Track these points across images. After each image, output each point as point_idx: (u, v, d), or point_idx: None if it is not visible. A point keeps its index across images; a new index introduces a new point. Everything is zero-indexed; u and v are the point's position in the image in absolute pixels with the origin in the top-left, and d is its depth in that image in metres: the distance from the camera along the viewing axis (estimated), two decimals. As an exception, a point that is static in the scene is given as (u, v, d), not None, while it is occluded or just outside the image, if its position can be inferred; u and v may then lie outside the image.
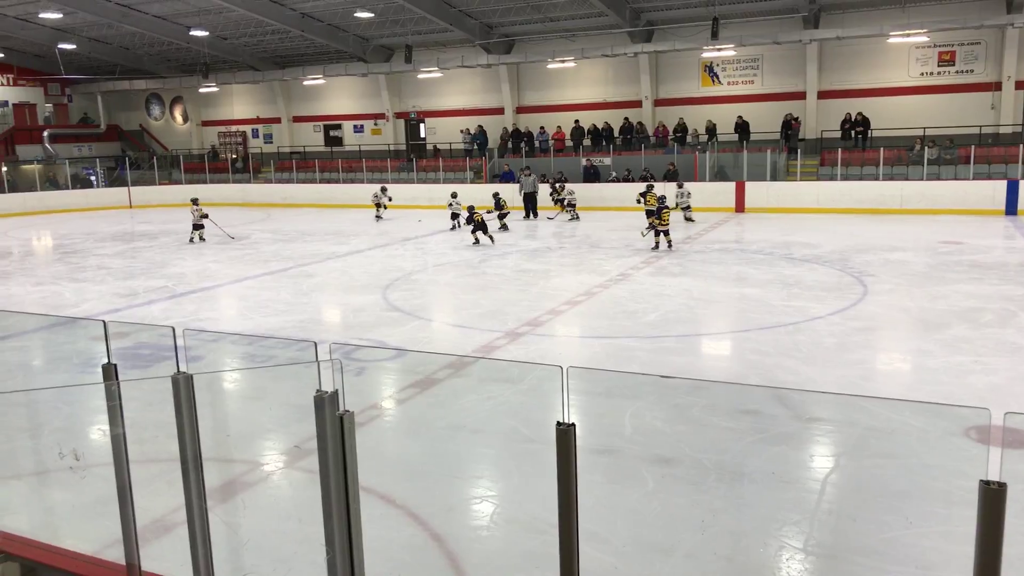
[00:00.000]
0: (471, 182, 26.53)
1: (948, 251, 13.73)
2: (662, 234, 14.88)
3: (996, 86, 22.31)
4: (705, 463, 5.35)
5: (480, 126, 28.63)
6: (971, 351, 7.72)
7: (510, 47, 27.86)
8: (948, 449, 5.43)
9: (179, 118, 36.74)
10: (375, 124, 32.40)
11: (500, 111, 29.22)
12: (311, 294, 11.69)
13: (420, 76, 29.40)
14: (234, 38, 29.30)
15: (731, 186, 21.36)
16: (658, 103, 27.00)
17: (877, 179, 20.73)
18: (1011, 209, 18.47)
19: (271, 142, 34.65)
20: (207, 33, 27.17)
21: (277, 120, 34.32)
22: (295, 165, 30.53)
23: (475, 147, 28.18)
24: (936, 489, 5.00)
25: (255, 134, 35.34)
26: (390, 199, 22.59)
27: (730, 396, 6.63)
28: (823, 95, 24.36)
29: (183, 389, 2.43)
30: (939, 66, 23.15)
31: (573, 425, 2.20)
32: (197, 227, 18.07)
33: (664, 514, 4.66)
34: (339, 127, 33.36)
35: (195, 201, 18.57)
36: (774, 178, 21.70)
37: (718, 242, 15.96)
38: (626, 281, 11.95)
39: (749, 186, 21.23)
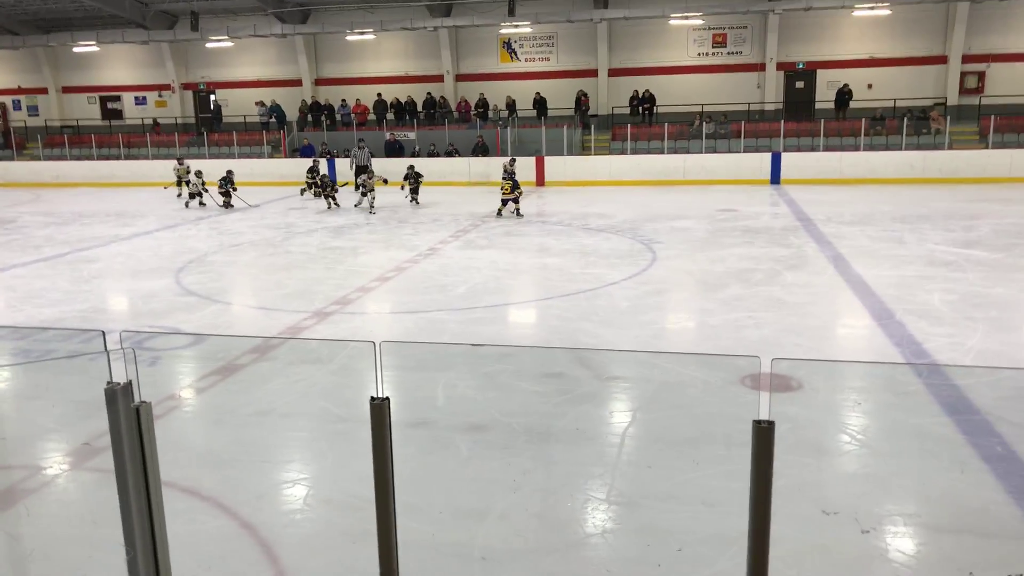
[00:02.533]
0: (269, 156, 25.40)
1: (724, 218, 15.08)
2: (511, 202, 16.08)
3: (761, 67, 24.65)
4: (515, 427, 5.56)
5: (275, 100, 27.41)
6: (745, 308, 8.58)
7: (306, 16, 26.82)
8: (727, 396, 6.02)
9: (-84, 86, 31.99)
10: (159, 96, 30.04)
11: (298, 83, 28.14)
12: (92, 281, 10.72)
13: (209, 45, 27.58)
14: (-17, -4, 25.85)
15: (531, 161, 22.03)
16: (459, 78, 27.21)
17: (663, 153, 22.28)
18: (775, 179, 20.59)
19: (37, 115, 31.08)
20: (-53, -12, 23.77)
21: (43, 91, 30.82)
22: (67, 140, 27.64)
23: (272, 120, 26.96)
24: (718, 433, 5.54)
25: (16, 106, 31.54)
26: (198, 173, 19.60)
27: (536, 361, 6.93)
28: (613, 72, 25.71)
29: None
30: (713, 47, 25.18)
31: (387, 399, 2.22)
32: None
33: (478, 479, 4.80)
34: (118, 99, 30.58)
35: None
36: (571, 153, 22.65)
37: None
38: (435, 255, 12.04)
39: (548, 160, 22.02)
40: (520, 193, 16.22)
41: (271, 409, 6.05)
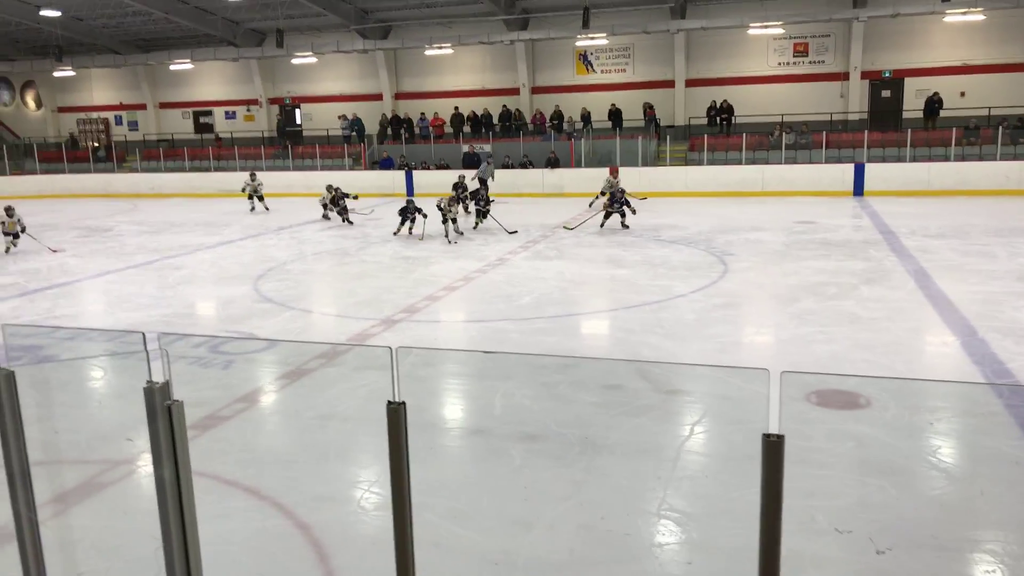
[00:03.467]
0: (350, 169, 26.11)
1: (802, 230, 14.68)
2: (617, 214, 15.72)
3: (844, 76, 23.93)
4: (569, 437, 5.56)
5: (356, 114, 28.19)
6: (816, 322, 8.33)
7: (387, 32, 27.53)
8: (789, 413, 5.87)
9: (31, 104, 34.26)
10: (248, 110, 31.33)
11: (378, 97, 28.86)
12: (178, 287, 11.25)
13: (294, 61, 28.61)
14: (91, 19, 27.56)
15: (606, 172, 21.93)
16: (535, 91, 27.39)
17: (740, 164, 21.85)
18: (858, 190, 19.91)
19: (136, 129, 32.87)
20: (59, 13, 25.44)
21: (142, 106, 32.58)
22: (162, 153, 29.10)
23: (353, 134, 27.74)
24: (793, 448, 5.40)
25: (119, 121, 33.43)
26: (260, 185, 21.04)
27: (595, 372, 6.90)
28: (691, 83, 25.41)
29: (3, 389, 2.34)
30: (794, 56, 24.60)
31: (403, 404, 2.28)
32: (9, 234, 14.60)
33: (528, 489, 4.82)
34: (210, 113, 32.04)
35: (9, 211, 14.73)
36: (645, 164, 22.47)
37: (592, 226, 16.41)
38: (503, 266, 12.14)
39: (622, 172, 21.87)
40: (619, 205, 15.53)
41: (333, 413, 6.22)
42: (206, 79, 31.37)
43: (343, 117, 28.22)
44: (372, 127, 28.11)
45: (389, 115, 28.14)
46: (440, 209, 14.86)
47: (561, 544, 4.17)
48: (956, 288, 9.64)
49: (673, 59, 25.31)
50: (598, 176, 21.98)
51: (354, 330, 8.58)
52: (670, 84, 25.54)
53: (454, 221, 14.86)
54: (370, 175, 24.67)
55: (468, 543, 4.19)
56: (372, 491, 4.83)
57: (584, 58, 26.84)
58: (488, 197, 16.57)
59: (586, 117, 25.47)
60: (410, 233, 15.49)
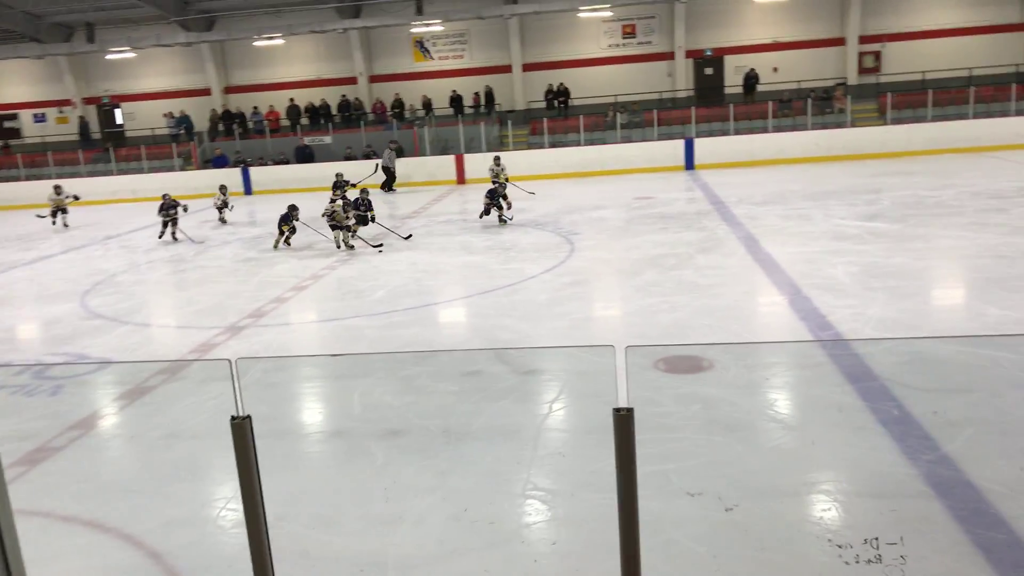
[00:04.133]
0: (181, 169, 24.66)
1: (640, 206, 15.33)
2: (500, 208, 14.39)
3: (670, 55, 25.13)
4: (432, 429, 5.53)
5: (183, 111, 26.64)
6: (659, 293, 8.74)
7: (211, 24, 26.10)
8: (641, 381, 6.13)
9: None
10: (60, 112, 28.81)
11: (207, 92, 27.38)
12: (-9, 311, 10.22)
13: (109, 57, 26.58)
14: None
15: (451, 159, 21.98)
16: (373, 79, 26.92)
17: (580, 145, 22.49)
18: (689, 165, 21.03)
19: (-75, 137, 29.42)
20: None
21: (-70, 111, 29.20)
22: (-39, 163, 26.25)
23: (181, 132, 26.19)
24: (645, 414, 5.63)
25: (-98, 130, 29.79)
26: (75, 198, 18.55)
27: (454, 361, 6.91)
28: (527, 67, 25.82)
29: None
30: (624, 38, 25.54)
31: (248, 417, 2.17)
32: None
33: (394, 486, 4.76)
34: (15, 117, 29.21)
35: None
36: (489, 149, 22.67)
37: (443, 214, 16.40)
38: (354, 261, 11.89)
39: (468, 158, 21.99)
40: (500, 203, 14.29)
41: (180, 431, 5.87)
42: (7, 79, 28.54)
43: (169, 115, 26.56)
44: (202, 124, 26.63)
45: (220, 110, 26.76)
46: (330, 216, 12.76)
47: (431, 537, 4.15)
48: (781, 251, 10.39)
49: (509, 44, 25.61)
50: (444, 164, 21.99)
51: (197, 340, 8.13)
52: (507, 69, 25.84)
53: (349, 230, 12.69)
54: (203, 174, 23.38)
55: (336, 548, 4.09)
56: (229, 508, 4.61)
57: (421, 45, 26.64)
58: (376, 199, 14.57)
59: (427, 104, 25.34)
60: (174, 238, 14.52)
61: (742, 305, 8.31)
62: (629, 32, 25.52)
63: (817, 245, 10.66)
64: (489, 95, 25.14)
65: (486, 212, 14.47)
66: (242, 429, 2.07)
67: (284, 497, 4.53)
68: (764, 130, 21.93)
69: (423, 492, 4.59)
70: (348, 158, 22.93)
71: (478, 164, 21.89)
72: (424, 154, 22.92)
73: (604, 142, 22.59)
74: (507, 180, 16.12)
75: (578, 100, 24.90)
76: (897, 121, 21.61)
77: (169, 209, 15.03)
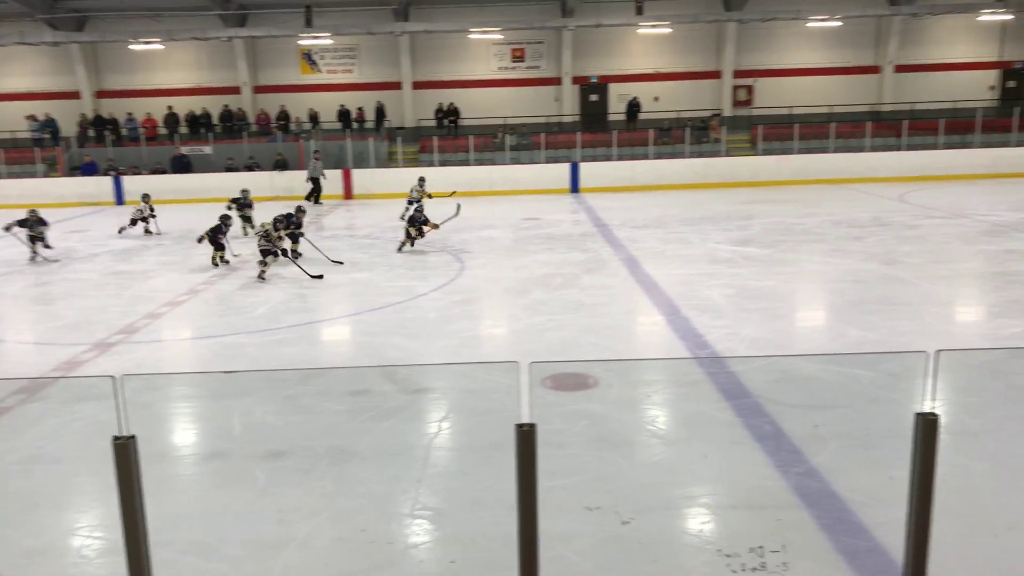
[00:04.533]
0: (44, 176, 23.10)
1: (528, 226, 15.57)
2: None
3: (558, 81, 25.77)
4: (317, 449, 5.39)
5: (48, 114, 25.01)
6: (547, 311, 8.88)
7: (82, 24, 24.71)
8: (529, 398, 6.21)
9: None
10: (-95, 109, 26.42)
11: (75, 95, 25.84)
12: None
13: (-37, 52, 24.64)
14: None
15: (337, 174, 21.63)
16: (258, 90, 26.21)
17: (469, 164, 22.65)
18: (575, 187, 21.57)
19: None
20: None
21: None
22: None
23: (46, 136, 24.55)
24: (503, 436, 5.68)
25: None
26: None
27: (340, 380, 6.77)
28: (418, 85, 25.83)
29: None
30: (513, 62, 26.00)
31: (133, 437, 2.06)
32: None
33: (276, 509, 4.60)
34: None
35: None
36: (378, 164, 22.48)
37: (329, 229, 16.09)
38: (235, 275, 11.46)
39: (356, 173, 21.71)
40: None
41: (40, 455, 5.46)
42: None
43: (32, 117, 24.84)
44: (70, 128, 25.07)
45: (90, 115, 25.29)
46: (263, 238, 11.19)
47: (316, 561, 4.03)
48: (660, 272, 10.80)
49: (399, 61, 25.54)
50: (331, 178, 21.59)
51: (61, 358, 7.61)
52: (397, 86, 25.76)
53: (277, 256, 11.23)
54: (70, 182, 22.02)
55: (215, 575, 3.91)
56: (95, 536, 4.33)
57: (309, 57, 26.17)
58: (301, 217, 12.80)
59: (314, 117, 24.87)
60: (35, 256, 12.95)
61: (624, 324, 8.57)
62: (518, 56, 26.00)
63: (694, 268, 11.14)
64: (379, 111, 24.96)
65: (410, 242, 12.96)
66: (125, 450, 1.95)
67: (157, 523, 4.28)
68: (645, 156, 22.79)
69: (308, 514, 4.47)
70: (230, 169, 22.15)
71: (366, 179, 21.66)
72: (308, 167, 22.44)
73: (493, 162, 22.85)
74: (429, 196, 16.16)
75: (468, 120, 25.10)
76: (767, 152, 22.97)
77: (34, 226, 13.44)
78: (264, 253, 11.08)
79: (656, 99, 25.69)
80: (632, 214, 16.81)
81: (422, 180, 17.00)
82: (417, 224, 12.98)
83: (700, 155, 22.78)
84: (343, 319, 9.25)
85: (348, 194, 21.59)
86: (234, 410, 6.04)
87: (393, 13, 24.32)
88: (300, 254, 12.19)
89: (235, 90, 25.87)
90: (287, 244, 11.88)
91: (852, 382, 6.47)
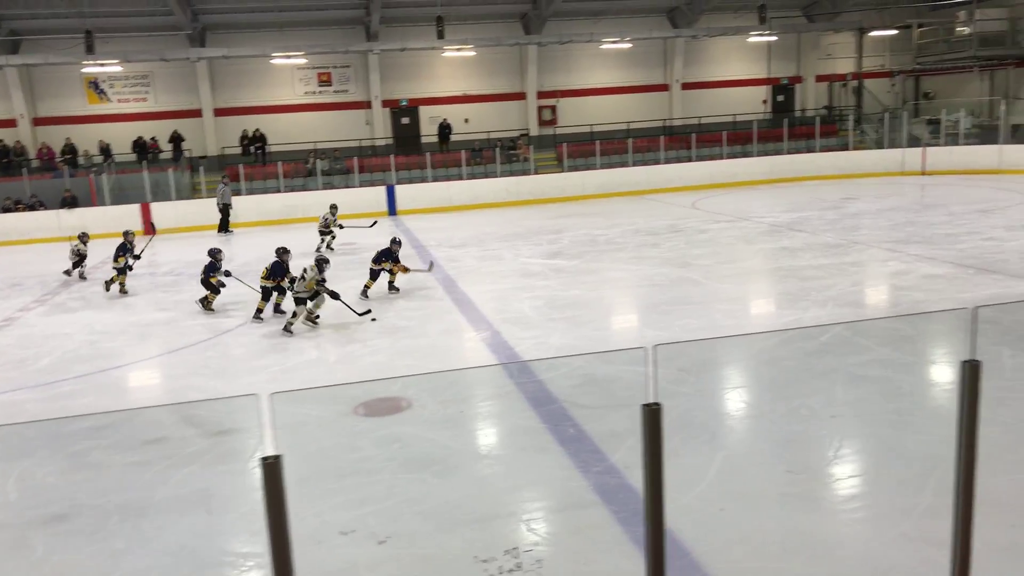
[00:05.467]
0: None
1: (344, 252, 15.35)
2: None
3: (367, 104, 25.64)
4: (107, 507, 5.01)
5: None
6: (361, 338, 8.79)
7: None
8: (340, 428, 6.13)
9: None
10: None
11: None
12: None
13: None
14: None
15: (135, 208, 20.24)
16: (38, 122, 24.06)
17: (279, 192, 21.99)
18: (392, 210, 21.52)
19: None
20: None
21: None
22: None
23: None
24: (330, 467, 5.58)
25: None
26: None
27: (135, 428, 6.34)
28: (220, 112, 24.76)
29: None
30: (320, 86, 25.58)
31: None
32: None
33: (58, 576, 4.24)
34: None
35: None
36: (180, 197, 21.29)
37: (140, 269, 14.99)
38: (12, 326, 10.42)
39: (155, 207, 20.43)
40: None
41: None
42: None
43: None
44: None
45: None
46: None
47: (102, 627, 3.75)
48: (476, 289, 11.02)
49: (198, 88, 24.38)
50: (128, 213, 20.13)
51: None
52: (197, 113, 24.56)
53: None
54: None
55: (-21, 663, 3.53)
56: None
57: (96, 86, 24.35)
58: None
59: (106, 150, 23.16)
60: None
61: (440, 343, 8.65)
62: (325, 80, 25.62)
63: (507, 283, 11.46)
64: (176, 140, 23.66)
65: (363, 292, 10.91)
66: None
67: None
68: (459, 177, 23.16)
69: (94, 578, 4.15)
70: (7, 210, 20.12)
71: (168, 213, 20.43)
72: (104, 203, 20.85)
73: (306, 189, 22.32)
74: (340, 227, 15.70)
75: (276, 146, 24.38)
76: (573, 168, 24.06)
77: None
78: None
79: (466, 121, 26.20)
80: (449, 234, 17.02)
81: (334, 208, 16.30)
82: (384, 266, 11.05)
83: (511, 174, 23.47)
84: (141, 363, 8.65)
85: (148, 229, 20.23)
86: (10, 474, 5.49)
87: (188, 39, 23.19)
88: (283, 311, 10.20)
89: (10, 123, 23.56)
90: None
91: (649, 380, 6.91)
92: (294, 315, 9.33)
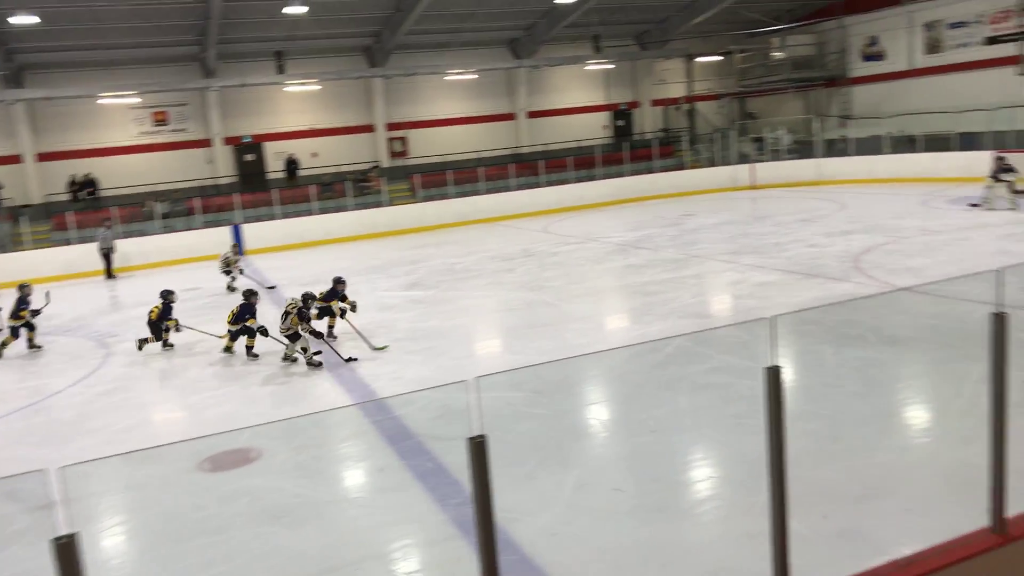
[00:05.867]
0: None
1: (188, 297, 14.54)
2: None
3: (208, 143, 24.64)
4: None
5: None
6: (206, 388, 8.36)
7: None
8: (191, 487, 5.77)
9: None
10: None
11: None
12: None
13: None
14: None
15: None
16: None
17: (118, 238, 20.66)
18: (240, 250, 20.66)
19: None
20: None
21: None
22: None
23: None
24: (189, 521, 5.24)
25: None
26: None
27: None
28: (43, 157, 23.04)
29: None
30: (155, 126, 24.34)
31: None
32: None
33: None
34: None
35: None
36: (3, 251, 19.57)
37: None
38: None
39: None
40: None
41: None
42: None
43: None
44: None
45: None
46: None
47: None
48: (330, 328, 10.73)
49: (16, 132, 22.58)
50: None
51: None
52: (17, 159, 22.71)
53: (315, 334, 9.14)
54: None
55: None
56: None
57: None
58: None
59: (-93, 203, 20.97)
60: None
61: (294, 387, 8.36)
62: (161, 119, 24.42)
63: (364, 317, 11.23)
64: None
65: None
66: None
67: None
68: (310, 212, 22.63)
69: None
70: None
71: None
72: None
73: (144, 233, 21.09)
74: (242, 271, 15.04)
75: (109, 191, 22.93)
76: (427, 198, 24.10)
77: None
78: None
79: (314, 155, 25.70)
80: (301, 271, 16.56)
81: (235, 246, 16.71)
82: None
83: (364, 206, 23.19)
84: (-47, 437, 7.82)
85: (-36, 288, 18.43)
86: None
87: (3, 80, 21.46)
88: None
89: None
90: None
91: (505, 405, 6.97)
92: (303, 350, 8.92)
